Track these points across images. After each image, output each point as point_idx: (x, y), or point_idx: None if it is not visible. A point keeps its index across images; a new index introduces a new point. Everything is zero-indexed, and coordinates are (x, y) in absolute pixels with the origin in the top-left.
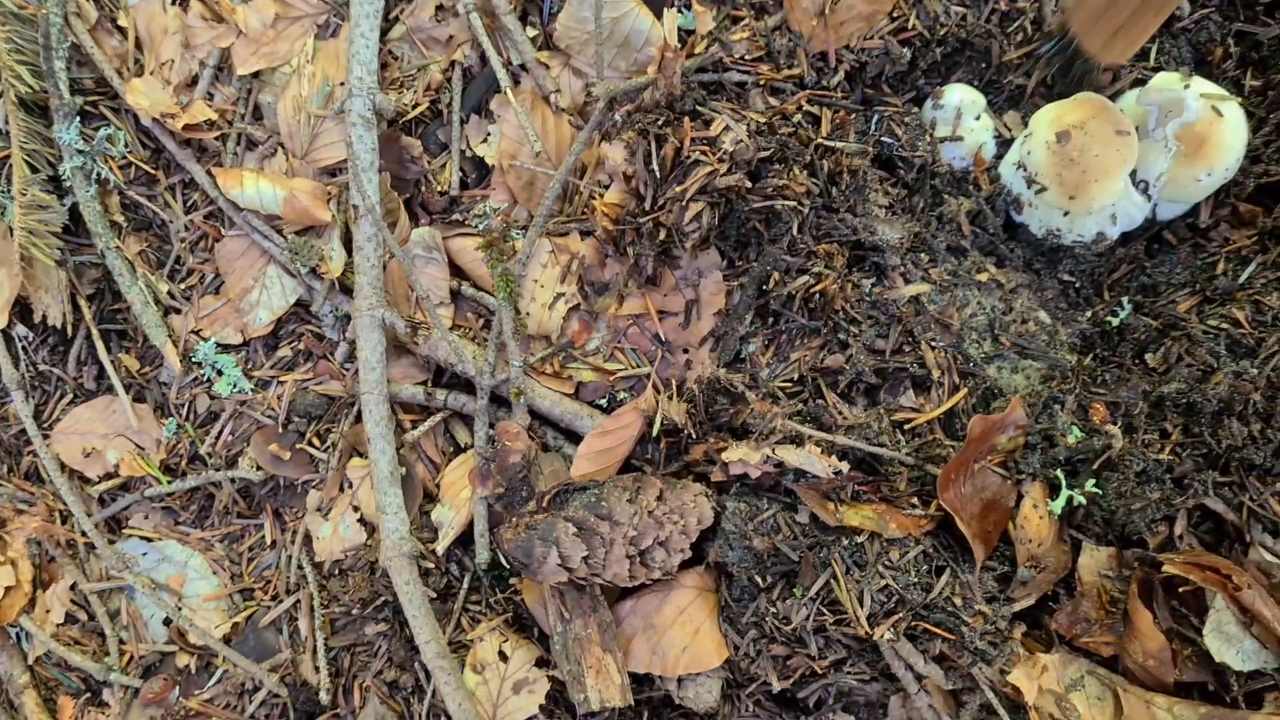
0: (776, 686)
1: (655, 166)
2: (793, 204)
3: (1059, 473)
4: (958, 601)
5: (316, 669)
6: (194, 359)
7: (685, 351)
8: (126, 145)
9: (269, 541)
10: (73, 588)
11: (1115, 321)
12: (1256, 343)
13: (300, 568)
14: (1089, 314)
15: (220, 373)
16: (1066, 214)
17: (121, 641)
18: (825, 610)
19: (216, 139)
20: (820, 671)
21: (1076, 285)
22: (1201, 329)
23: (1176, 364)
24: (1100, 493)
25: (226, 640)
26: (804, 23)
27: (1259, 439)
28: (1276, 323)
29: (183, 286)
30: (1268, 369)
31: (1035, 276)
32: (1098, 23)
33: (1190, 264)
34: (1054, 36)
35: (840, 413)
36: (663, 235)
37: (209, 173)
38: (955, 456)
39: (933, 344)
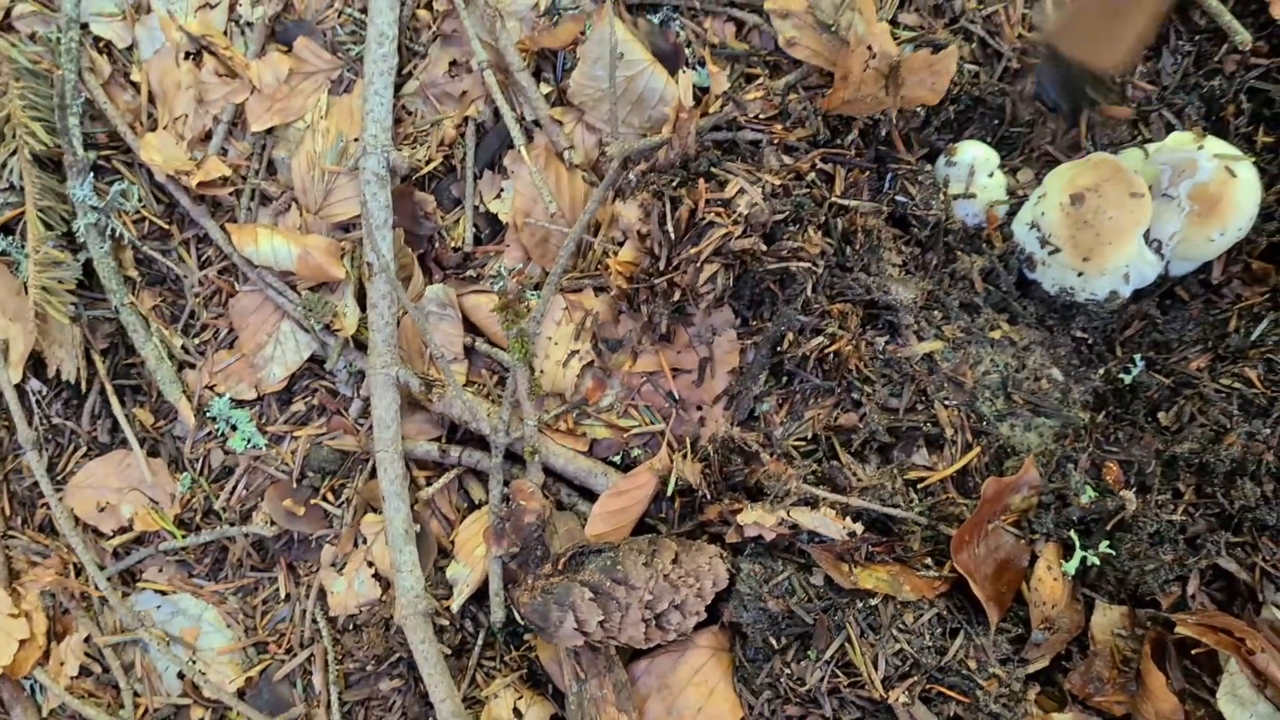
0: None
1: (670, 227)
2: (807, 265)
3: (1072, 533)
4: (972, 664)
5: None
6: (208, 414)
7: (699, 409)
8: (140, 200)
9: (283, 595)
10: (87, 640)
11: (1128, 379)
12: (1269, 402)
13: (315, 622)
14: (1102, 371)
15: (234, 428)
16: (1080, 274)
17: (136, 694)
18: (840, 672)
19: (230, 194)
20: None
21: (1089, 342)
22: (1214, 388)
23: (1189, 423)
24: (1114, 553)
25: (240, 694)
26: (861, 90)
27: (1272, 499)
28: None
29: (197, 341)
30: None
31: (1048, 333)
32: (1077, 27)
33: (1203, 320)
34: (1039, 53)
35: (854, 473)
36: (677, 295)
37: (223, 228)
38: (969, 518)
39: (946, 402)
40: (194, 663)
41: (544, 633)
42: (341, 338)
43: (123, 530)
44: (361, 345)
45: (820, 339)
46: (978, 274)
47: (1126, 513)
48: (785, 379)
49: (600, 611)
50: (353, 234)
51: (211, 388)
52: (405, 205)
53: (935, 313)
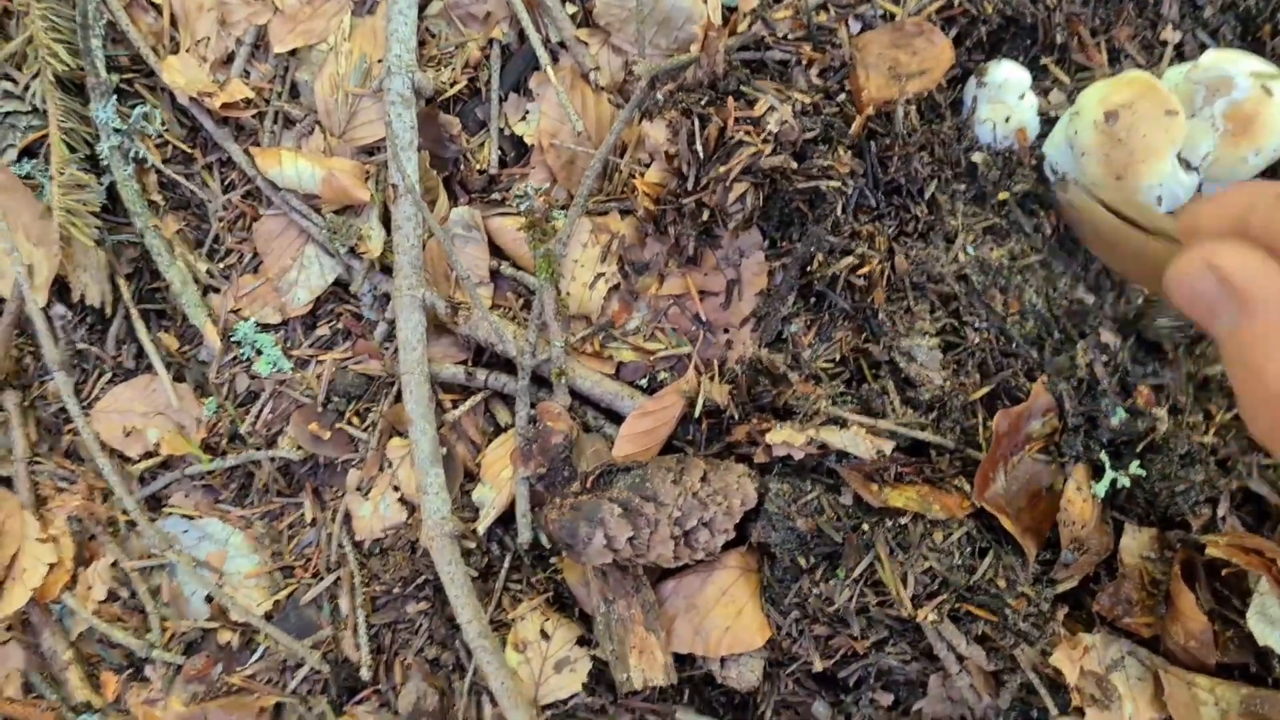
0: (818, 666)
1: (699, 146)
2: (837, 184)
3: (1103, 455)
4: (1001, 584)
5: (357, 646)
6: (233, 338)
7: (726, 332)
8: (163, 124)
9: (309, 520)
10: (114, 565)
11: (1156, 307)
12: None
13: (340, 546)
14: (1132, 297)
15: (260, 352)
16: (1112, 195)
17: (163, 619)
18: (868, 591)
19: (254, 117)
20: (862, 652)
21: None
22: None
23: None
24: (1144, 474)
25: (268, 617)
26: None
27: None
28: None
29: (221, 266)
30: None
31: (1079, 258)
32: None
33: None
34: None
35: (884, 395)
36: (705, 215)
37: (246, 151)
38: (985, 457)
39: (976, 326)
40: (221, 586)
41: (573, 550)
42: (366, 261)
43: (149, 455)
44: (387, 269)
45: (850, 259)
46: (1010, 196)
47: (1157, 434)
48: (814, 301)
49: (630, 528)
50: (377, 157)
51: (236, 312)
52: (430, 128)
53: (968, 236)
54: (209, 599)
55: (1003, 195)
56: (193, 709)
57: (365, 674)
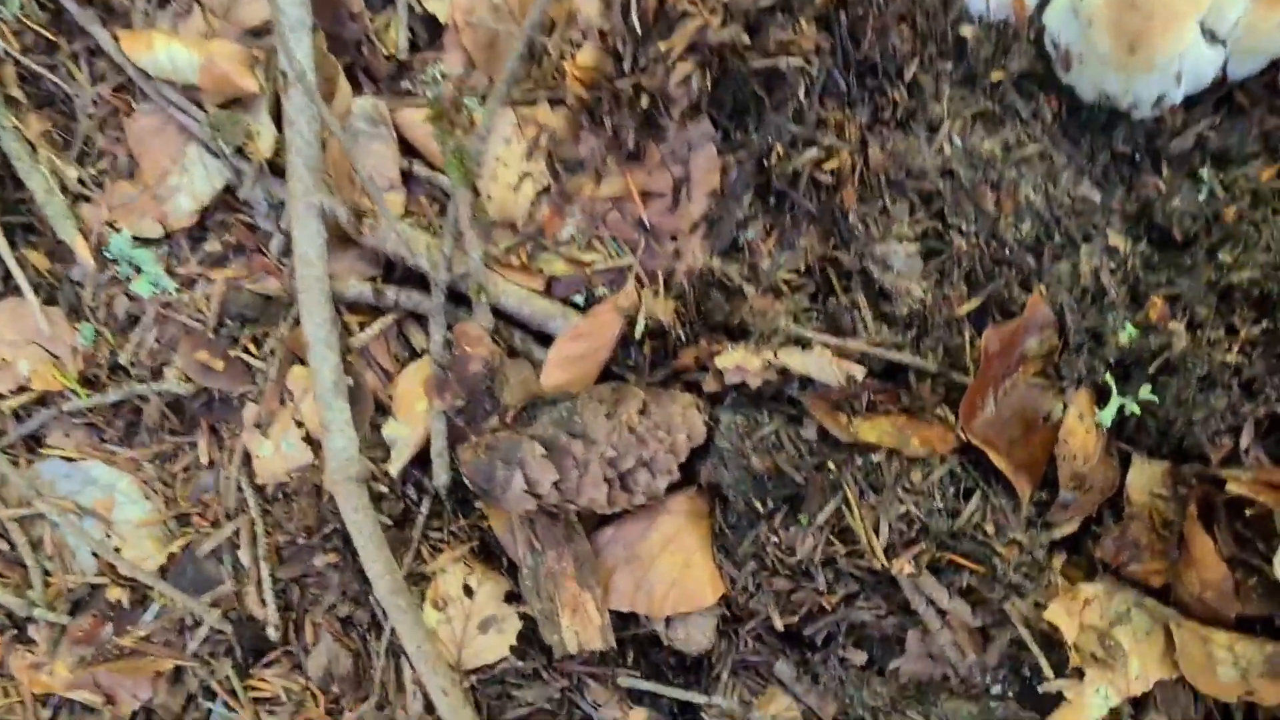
0: (779, 624)
1: (635, 20)
2: (799, 62)
3: (1108, 377)
4: (989, 529)
5: (263, 603)
6: (108, 255)
7: (673, 239)
8: (21, 7)
9: (205, 461)
10: None
11: (1177, 200)
12: None
13: (240, 491)
14: (1146, 191)
15: (139, 270)
16: (1124, 72)
17: (46, 574)
18: (835, 540)
19: None
20: (829, 608)
21: (1133, 158)
22: (1276, 208)
23: (1248, 249)
24: (1156, 400)
25: (162, 571)
26: None
27: None
28: None
29: (93, 171)
30: None
31: (1084, 148)
32: None
33: (1266, 129)
34: None
35: (854, 310)
36: (646, 102)
37: (114, 36)
38: (973, 381)
39: (963, 229)
40: (109, 538)
41: (490, 495)
42: (256, 162)
43: (21, 390)
44: (281, 171)
45: (815, 151)
46: (1004, 76)
47: (1173, 352)
48: (774, 201)
49: (554, 470)
50: (266, 40)
51: (112, 224)
52: (327, 5)
53: (955, 122)
54: (95, 553)
55: (996, 75)
56: (80, 674)
57: (273, 634)
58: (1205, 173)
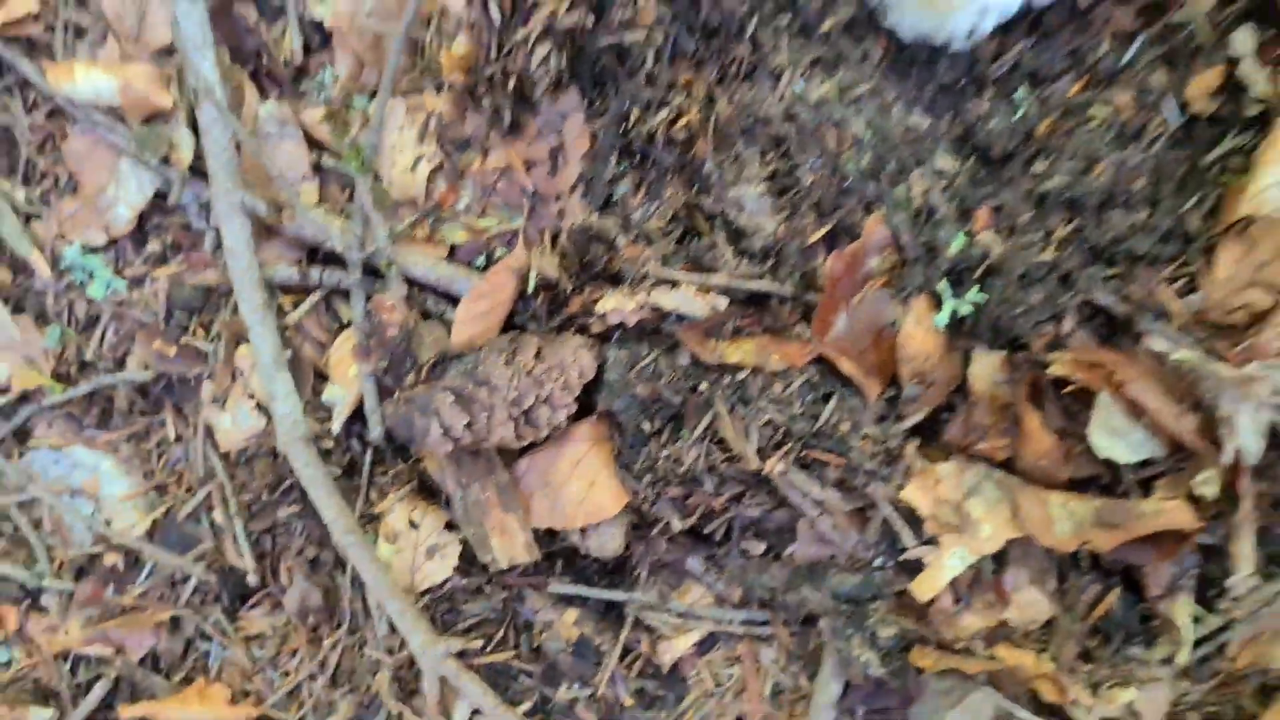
0: (678, 526)
1: (494, 11)
2: (641, 36)
3: (942, 284)
4: (846, 427)
5: (240, 554)
6: (62, 265)
7: (557, 199)
8: None
9: (174, 437)
10: None
11: (995, 120)
12: (1140, 127)
13: (207, 459)
14: (969, 116)
15: (92, 275)
16: (933, 10)
17: (49, 549)
18: (714, 449)
19: (45, 31)
20: (719, 509)
21: (957, 85)
22: (1083, 119)
23: (1059, 159)
24: (984, 300)
25: (149, 536)
26: None
27: (1143, 227)
28: (1159, 105)
29: (39, 191)
30: (1151, 153)
31: (911, 82)
32: None
33: (1073, 47)
34: None
35: (715, 248)
36: (514, 83)
37: (40, 69)
38: (822, 300)
39: (809, 166)
40: (99, 513)
41: (413, 442)
42: (181, 170)
43: (3, 391)
44: (203, 175)
45: (665, 112)
46: (834, 26)
47: (994, 257)
48: (639, 159)
49: (465, 415)
50: (177, 59)
51: (62, 237)
52: (224, 21)
53: (797, 71)
54: (89, 526)
55: (828, 25)
56: (91, 631)
57: (253, 579)
58: (1021, 92)
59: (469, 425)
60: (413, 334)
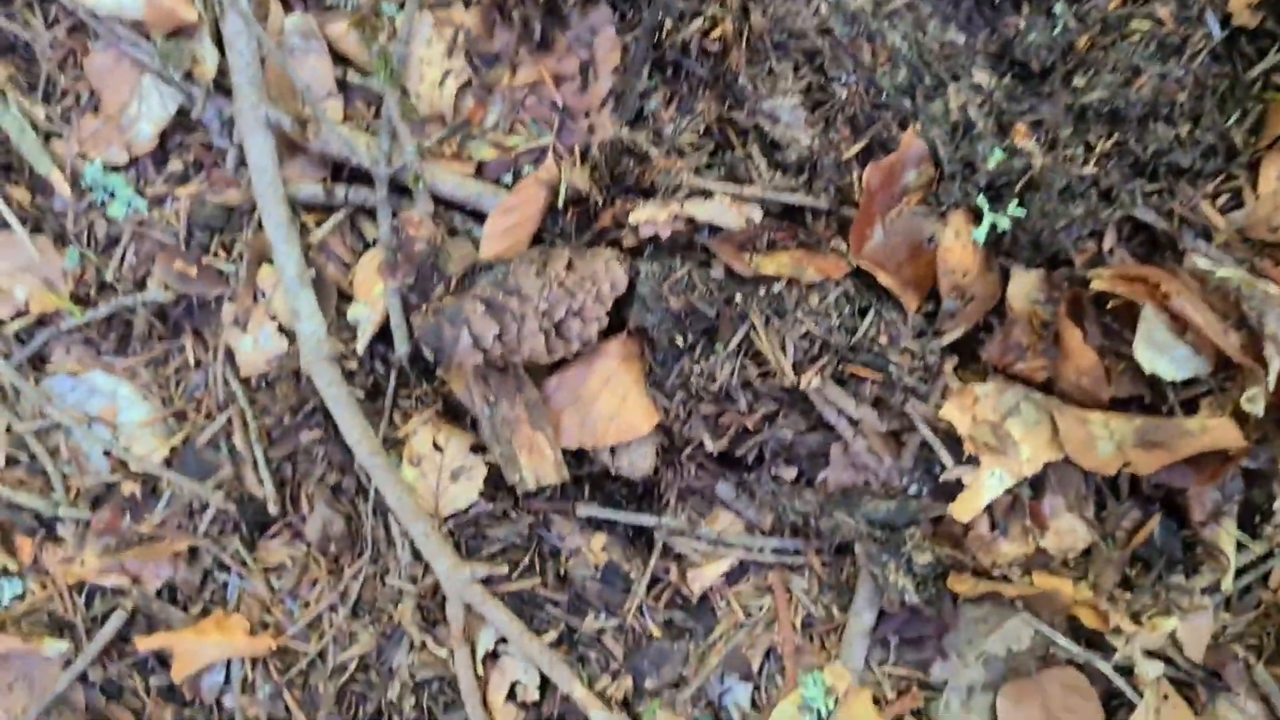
0: (710, 446)
1: None
2: None
3: (981, 199)
4: (884, 340)
5: (260, 482)
6: (83, 184)
7: (586, 115)
8: None
9: (193, 362)
10: (9, 430)
11: (1034, 35)
12: (1181, 40)
13: (227, 384)
14: (1006, 30)
15: (113, 195)
16: None
17: (65, 477)
18: (749, 363)
19: None
20: (753, 427)
21: (994, 0)
22: (1124, 33)
23: (1099, 72)
24: (1024, 215)
25: (168, 463)
26: None
27: (1186, 141)
28: (1201, 18)
29: (59, 109)
30: (1193, 66)
31: None
32: None
33: None
34: None
35: (749, 160)
36: None
37: None
38: (859, 213)
39: (843, 80)
40: (117, 440)
41: (441, 354)
42: (204, 85)
43: (21, 314)
44: (228, 90)
45: (700, 22)
46: None
47: (1034, 170)
48: (671, 72)
49: (495, 324)
50: None
51: (83, 156)
52: None
53: None
54: (107, 453)
55: None
56: (107, 561)
57: (272, 508)
58: (1059, 7)
59: (499, 336)
60: (440, 250)
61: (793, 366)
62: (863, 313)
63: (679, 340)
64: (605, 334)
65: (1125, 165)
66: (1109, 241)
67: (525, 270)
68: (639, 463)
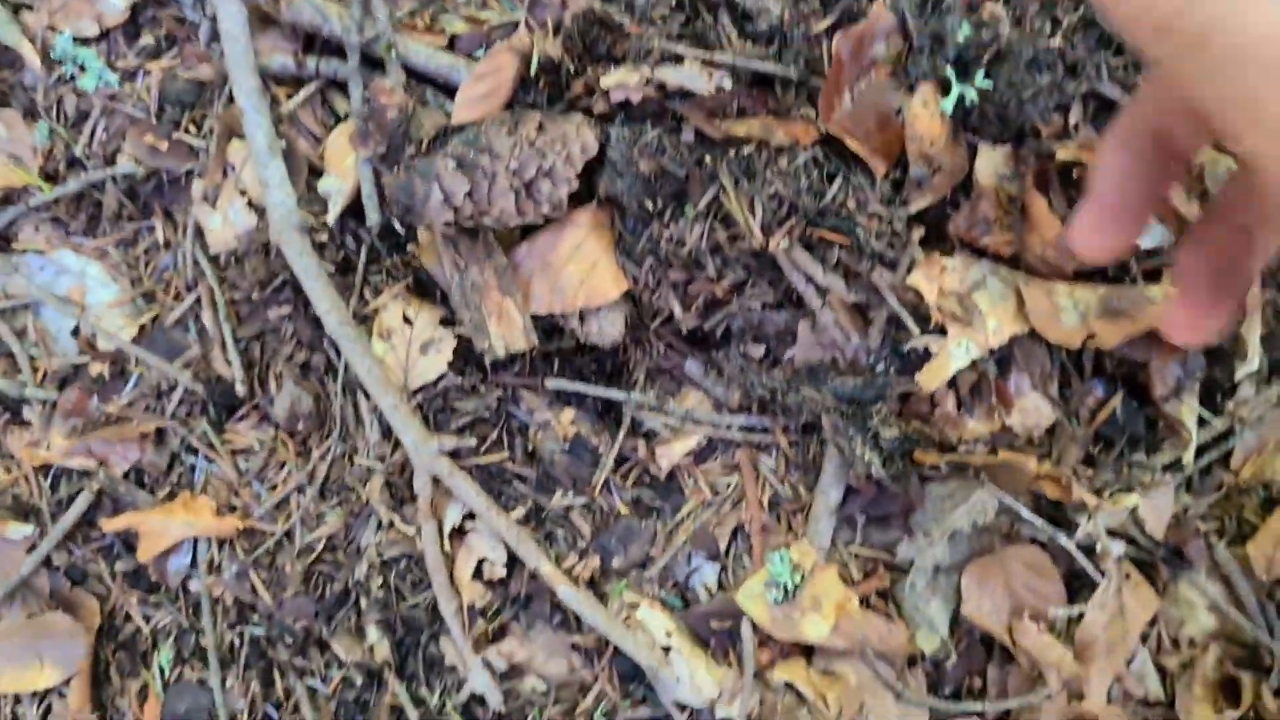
0: (679, 315)
1: None
2: None
3: (949, 71)
4: (852, 205)
5: (228, 362)
6: (53, 56)
7: None
8: None
9: (163, 242)
10: None
11: None
12: None
13: (196, 263)
14: None
15: (83, 68)
16: None
17: (32, 358)
18: (718, 226)
19: None
20: (722, 296)
21: None
22: None
23: None
24: (991, 87)
25: (136, 344)
26: None
27: None
28: None
29: None
30: None
31: None
32: None
33: None
34: None
35: (720, 28)
36: None
37: None
38: (828, 81)
39: None
40: (85, 320)
41: (412, 212)
42: None
43: None
44: None
45: None
46: None
47: (1001, 42)
48: None
49: (466, 181)
50: None
51: (53, 28)
52: None
53: None
54: (75, 333)
55: None
56: (74, 442)
57: (240, 390)
58: None
59: (470, 194)
60: (412, 118)
61: (761, 228)
62: (831, 178)
63: (649, 205)
64: (575, 204)
65: (1091, 40)
66: (1074, 116)
67: (496, 131)
68: (608, 329)
